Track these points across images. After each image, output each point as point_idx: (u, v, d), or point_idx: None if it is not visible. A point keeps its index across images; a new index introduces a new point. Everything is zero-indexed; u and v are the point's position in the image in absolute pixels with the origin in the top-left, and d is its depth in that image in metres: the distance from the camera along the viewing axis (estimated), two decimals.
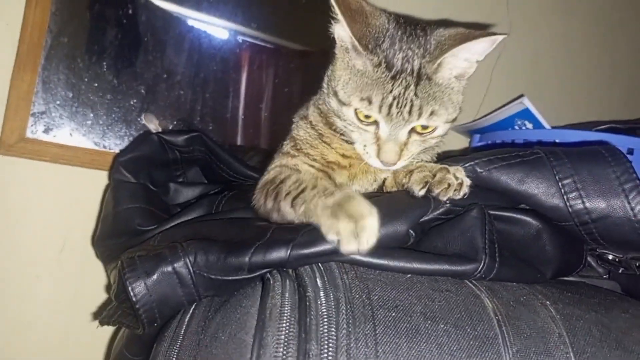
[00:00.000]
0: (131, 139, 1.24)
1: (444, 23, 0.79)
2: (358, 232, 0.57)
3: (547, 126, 1.29)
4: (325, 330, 0.50)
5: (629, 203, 0.62)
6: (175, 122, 1.32)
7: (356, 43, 0.71)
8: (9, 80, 1.13)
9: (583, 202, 0.64)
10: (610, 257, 0.72)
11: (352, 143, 0.79)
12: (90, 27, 1.24)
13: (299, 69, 1.52)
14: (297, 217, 0.68)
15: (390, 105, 0.70)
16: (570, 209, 0.65)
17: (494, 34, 0.72)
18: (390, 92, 0.70)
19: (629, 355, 0.54)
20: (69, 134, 1.19)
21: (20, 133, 1.14)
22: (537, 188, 0.65)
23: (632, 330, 0.57)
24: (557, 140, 1.17)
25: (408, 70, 0.71)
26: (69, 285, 1.19)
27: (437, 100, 0.72)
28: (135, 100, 1.26)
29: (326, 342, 0.49)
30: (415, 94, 0.70)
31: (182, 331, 0.64)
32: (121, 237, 0.85)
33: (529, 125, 1.32)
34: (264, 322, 0.50)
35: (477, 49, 0.73)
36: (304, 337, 0.50)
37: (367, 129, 0.74)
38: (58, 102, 1.18)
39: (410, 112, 0.71)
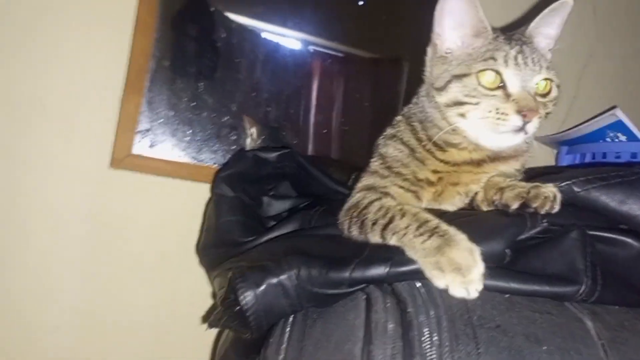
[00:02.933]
0: (224, 153, 1.33)
1: None
2: (467, 285, 0.59)
3: None
4: (428, 347, 0.53)
5: None
6: (263, 137, 1.40)
7: (486, 24, 0.81)
8: (120, 102, 1.25)
9: None
10: None
11: (455, 143, 0.82)
12: (187, 50, 1.35)
13: (370, 77, 1.56)
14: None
15: (516, 57, 0.77)
16: None
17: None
18: (511, 49, 0.78)
19: None
20: (170, 149, 1.30)
21: (128, 149, 1.27)
22: None
23: None
24: None
25: (514, 37, 0.81)
26: (168, 291, 1.30)
27: (545, 59, 0.81)
28: (227, 117, 1.36)
29: (429, 357, 0.52)
30: (531, 49, 0.79)
31: (286, 338, 0.69)
32: (223, 247, 0.92)
33: (622, 138, 1.27)
34: (371, 335, 0.54)
35: (550, 20, 0.83)
36: (408, 351, 0.52)
37: (494, 93, 0.77)
38: (161, 121, 1.29)
39: (534, 62, 0.78)
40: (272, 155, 1.07)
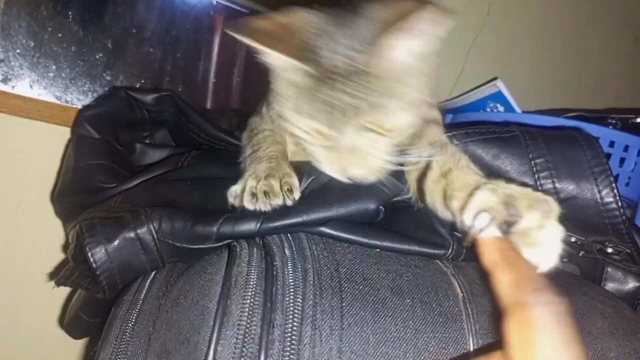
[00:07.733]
0: (95, 94, 1.18)
1: None
2: None
3: (518, 110, 1.30)
4: (292, 301, 0.49)
5: (597, 186, 0.63)
6: (142, 81, 1.27)
7: (294, 61, 0.59)
8: None
9: (553, 182, 0.65)
10: (573, 239, 0.74)
11: None
12: None
13: None
14: None
15: (326, 111, 0.59)
16: (540, 188, 0.66)
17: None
18: (322, 95, 0.58)
19: (586, 336, 0.56)
20: (29, 85, 1.12)
21: None
22: (511, 165, 0.66)
23: (590, 312, 0.59)
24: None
25: (341, 67, 0.57)
26: (25, 244, 1.14)
27: (383, 94, 0.58)
28: (101, 55, 1.20)
29: (291, 312, 0.49)
30: (351, 94, 0.57)
31: (142, 295, 0.62)
32: (81, 194, 0.81)
33: (501, 108, 1.33)
34: (229, 290, 0.49)
35: (423, 28, 0.56)
36: (269, 306, 0.49)
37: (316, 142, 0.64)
38: (18, 51, 1.11)
39: (347, 113, 0.58)
40: (149, 97, 0.96)
